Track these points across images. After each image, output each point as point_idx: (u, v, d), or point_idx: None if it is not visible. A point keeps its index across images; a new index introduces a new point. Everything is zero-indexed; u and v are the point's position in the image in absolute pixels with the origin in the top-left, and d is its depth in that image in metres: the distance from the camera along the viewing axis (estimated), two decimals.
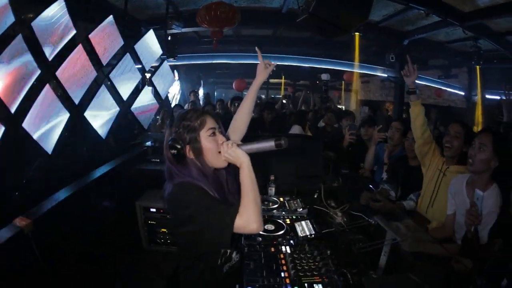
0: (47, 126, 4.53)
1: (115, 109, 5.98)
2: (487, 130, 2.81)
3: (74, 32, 4.85)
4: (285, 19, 8.80)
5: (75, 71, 4.93)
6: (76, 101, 5.02)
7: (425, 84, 13.91)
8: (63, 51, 4.70)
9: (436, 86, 13.97)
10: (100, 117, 5.66)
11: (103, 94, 5.64)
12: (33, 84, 4.16)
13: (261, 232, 2.65)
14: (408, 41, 10.10)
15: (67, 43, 4.75)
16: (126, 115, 6.41)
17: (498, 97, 11.90)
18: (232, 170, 2.05)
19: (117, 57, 6.08)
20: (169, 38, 8.54)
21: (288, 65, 12.69)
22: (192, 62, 12.35)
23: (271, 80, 20.80)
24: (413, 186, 3.75)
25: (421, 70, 13.35)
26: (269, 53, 11.41)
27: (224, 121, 6.57)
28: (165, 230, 4.87)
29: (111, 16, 5.71)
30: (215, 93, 21.84)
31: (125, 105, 6.27)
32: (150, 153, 6.18)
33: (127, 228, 4.89)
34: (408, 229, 2.57)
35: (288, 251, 2.44)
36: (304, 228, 2.76)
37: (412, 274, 2.02)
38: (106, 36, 5.60)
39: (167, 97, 9.96)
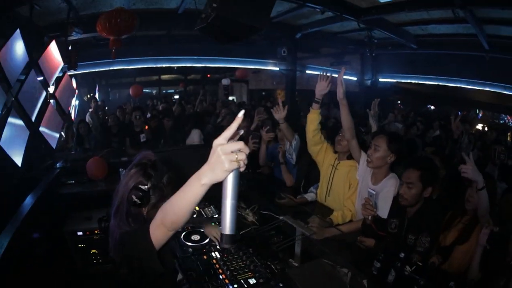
0: None
1: (26, 132, 5.50)
2: (381, 133, 3.49)
3: None
4: (182, 19, 8.77)
5: None
6: None
7: (317, 73, 14.44)
8: None
9: (328, 74, 14.42)
10: (14, 144, 5.05)
11: (14, 118, 5.13)
12: None
13: (189, 244, 2.85)
14: (300, 35, 10.45)
15: None
16: (35, 136, 5.82)
17: (391, 80, 13.09)
18: None
19: (23, 75, 5.54)
20: (70, 48, 7.79)
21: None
22: (92, 71, 11.47)
23: (163, 76, 20.94)
24: (315, 179, 4.26)
25: (313, 58, 14.02)
26: (163, 55, 11.65)
27: (126, 131, 6.76)
28: (95, 250, 4.58)
29: (18, 30, 5.24)
30: (109, 96, 20.78)
31: (33, 126, 5.71)
32: (64, 174, 5.59)
33: (59, 255, 4.53)
34: (313, 222, 3.06)
35: (218, 256, 2.68)
36: None
37: (324, 259, 2.46)
38: (13, 52, 5.15)
39: (69, 112, 9.43)
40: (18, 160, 4.92)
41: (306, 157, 4.46)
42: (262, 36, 11.48)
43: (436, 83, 12.36)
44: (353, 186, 3.71)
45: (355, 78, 14.20)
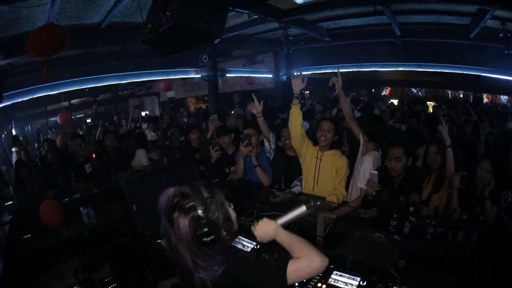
0: None
1: None
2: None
3: None
4: (104, 35, 8.47)
5: None
6: None
7: (232, 76, 14.98)
8: None
9: (244, 75, 14.99)
10: None
11: None
12: None
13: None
14: (219, 39, 10.24)
15: None
16: None
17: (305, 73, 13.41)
18: None
19: None
20: None
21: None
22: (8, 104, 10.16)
23: (73, 101, 19.83)
24: (294, 173, 4.60)
25: (226, 62, 14.30)
26: (82, 76, 11.16)
27: (68, 164, 6.35)
28: None
29: None
30: (29, 128, 19.59)
31: None
32: (15, 229, 4.53)
33: None
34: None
35: None
36: (245, 244, 2.94)
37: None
38: None
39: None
40: None
41: (281, 155, 4.83)
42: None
43: (350, 70, 12.99)
44: (340, 172, 4.13)
45: (270, 76, 14.58)
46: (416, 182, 3.69)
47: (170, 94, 10.37)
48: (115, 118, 16.00)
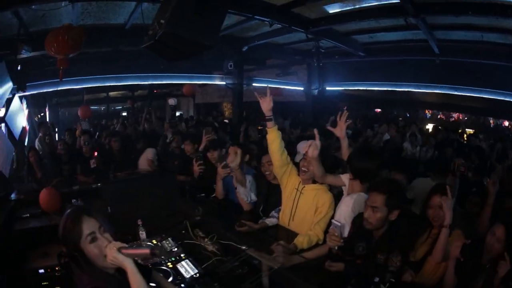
0: None
1: None
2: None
3: None
4: (129, 34, 8.49)
5: None
6: None
7: (263, 86, 14.38)
8: None
9: (274, 86, 14.16)
10: None
11: None
12: None
13: (152, 284, 2.48)
14: (247, 47, 10.36)
15: None
16: None
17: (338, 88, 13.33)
18: None
19: None
20: (19, 67, 7.48)
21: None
22: (42, 91, 10.57)
23: (111, 93, 20.29)
24: (275, 202, 4.00)
25: (259, 70, 14.09)
26: (110, 73, 11.28)
27: (74, 153, 6.39)
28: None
29: None
30: (59, 116, 19.51)
31: None
32: (18, 207, 5.22)
33: None
34: (277, 250, 2.93)
35: None
36: (187, 268, 2.70)
37: None
38: None
39: (20, 136, 8.83)
40: None
41: (263, 179, 4.29)
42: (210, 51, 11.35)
43: (384, 88, 12.59)
44: (321, 210, 3.48)
45: (301, 88, 14.17)
46: (400, 242, 2.72)
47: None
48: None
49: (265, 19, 7.10)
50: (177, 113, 17.65)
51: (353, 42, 10.07)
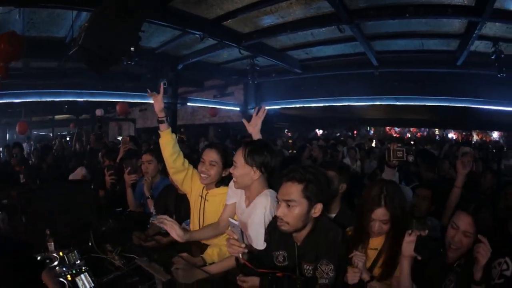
0: None
1: None
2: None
3: None
4: (69, 49, 8.22)
5: None
6: None
7: (200, 106, 14.43)
8: None
9: (211, 106, 14.33)
10: None
11: None
12: None
13: None
14: (182, 65, 10.32)
15: None
16: None
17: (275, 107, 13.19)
18: None
19: None
20: None
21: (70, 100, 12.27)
22: None
23: (56, 117, 20.39)
24: (185, 213, 3.58)
25: (197, 92, 14.25)
26: (52, 88, 10.89)
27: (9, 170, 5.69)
28: None
29: None
30: (7, 135, 20.36)
31: None
32: None
33: None
34: (178, 262, 2.60)
35: None
36: (85, 282, 2.44)
37: None
38: None
39: None
40: None
41: (169, 188, 3.95)
42: (147, 70, 11.48)
43: (323, 104, 12.50)
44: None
45: (238, 109, 14.19)
46: (330, 245, 2.20)
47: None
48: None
49: (196, 32, 7.03)
50: (119, 138, 17.39)
51: (289, 59, 10.12)
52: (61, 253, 2.83)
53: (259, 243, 2.43)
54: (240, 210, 2.85)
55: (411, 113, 12.45)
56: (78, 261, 2.66)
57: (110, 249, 2.89)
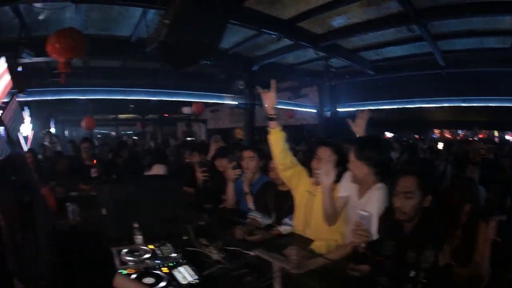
0: None
1: None
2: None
3: None
4: (135, 48, 8.28)
5: None
6: None
7: (278, 108, 14.35)
8: None
9: (288, 107, 14.22)
10: None
11: None
12: None
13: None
14: (257, 67, 10.31)
15: None
16: None
17: (350, 109, 12.96)
18: None
19: None
20: (20, 69, 7.40)
21: (137, 98, 12.24)
22: (43, 98, 10.36)
23: (120, 116, 20.39)
24: (287, 210, 3.63)
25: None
26: (117, 87, 11.10)
27: (77, 165, 6.12)
28: None
29: None
30: (66, 132, 20.40)
31: None
32: None
33: None
34: (291, 253, 2.52)
35: None
36: (185, 275, 2.48)
37: None
38: None
39: (18, 139, 8.64)
40: None
41: (268, 186, 4.01)
42: (219, 70, 11.47)
43: (395, 106, 12.46)
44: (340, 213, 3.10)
45: (314, 111, 14.07)
46: (434, 232, 2.35)
47: (186, 110, 10.26)
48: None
49: (272, 32, 7.05)
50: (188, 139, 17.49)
51: (361, 60, 10.05)
52: (151, 246, 2.87)
53: (373, 234, 2.54)
54: (352, 203, 2.99)
55: (474, 114, 12.11)
56: (174, 254, 2.66)
57: (206, 243, 2.91)
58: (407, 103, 12.00)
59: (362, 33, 7.41)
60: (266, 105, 3.37)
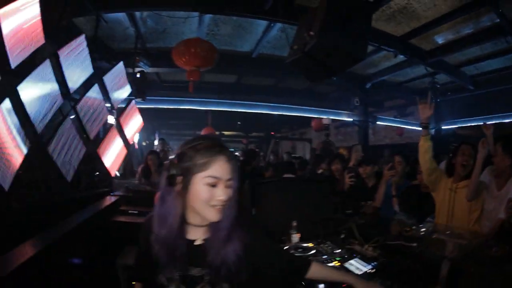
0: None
1: (82, 148, 4.92)
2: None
3: (42, 42, 3.81)
4: (254, 64, 8.80)
5: (38, 92, 3.87)
6: (38, 130, 3.90)
7: (384, 125, 14.20)
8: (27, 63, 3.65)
9: (395, 125, 14.28)
10: (64, 154, 4.45)
11: (68, 128, 4.56)
12: None
13: None
14: (370, 84, 10.52)
15: (32, 54, 3.68)
16: (91, 157, 5.55)
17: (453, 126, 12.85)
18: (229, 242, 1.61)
19: (84, 87, 5.09)
20: (139, 75, 7.58)
21: (243, 116, 12.76)
22: (158, 106, 10.79)
23: (225, 132, 20.68)
24: (427, 211, 4.01)
25: (377, 113, 13.87)
26: (232, 100, 11.25)
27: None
28: None
29: (83, 36, 4.90)
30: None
31: (91, 145, 5.27)
32: (123, 203, 5.49)
33: None
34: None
35: None
36: (358, 266, 2.48)
37: None
38: (75, 57, 4.65)
39: (133, 143, 8.98)
40: (67, 174, 4.50)
41: (411, 189, 4.44)
42: (334, 87, 11.86)
43: (494, 121, 11.73)
44: (475, 207, 3.61)
45: (420, 129, 13.65)
46: None
47: (326, 120, 10.41)
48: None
49: (390, 49, 7.18)
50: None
51: (462, 75, 10.04)
52: (310, 244, 2.93)
53: None
54: (493, 194, 3.53)
55: None
56: (338, 250, 2.79)
57: (355, 242, 2.96)
58: (506, 117, 11.25)
59: (467, 47, 7.48)
60: (424, 115, 3.76)
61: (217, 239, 1.59)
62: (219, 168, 1.50)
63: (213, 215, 1.52)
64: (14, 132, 3.55)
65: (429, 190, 4.03)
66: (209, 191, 1.49)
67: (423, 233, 3.26)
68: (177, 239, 1.55)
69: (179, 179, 1.50)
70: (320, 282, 2.06)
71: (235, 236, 1.60)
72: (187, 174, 1.49)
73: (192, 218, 1.59)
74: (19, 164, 3.63)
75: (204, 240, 1.62)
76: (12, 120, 3.53)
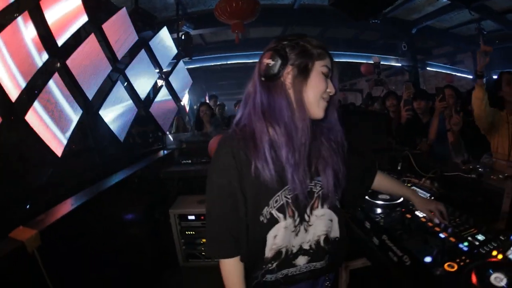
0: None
1: (133, 110, 4.95)
2: None
3: (85, 19, 3.96)
4: (297, 15, 8.68)
5: (87, 63, 3.98)
6: (90, 97, 4.01)
7: (434, 72, 14.00)
8: (72, 39, 3.78)
9: (445, 71, 13.98)
10: (117, 118, 4.53)
11: (119, 92, 4.65)
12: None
13: (381, 202, 2.35)
14: (416, 29, 10.27)
15: (76, 31, 3.83)
16: (144, 117, 5.48)
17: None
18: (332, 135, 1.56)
19: (131, 54, 5.12)
20: (183, 37, 7.51)
21: None
22: (205, 65, 11.18)
23: None
24: (482, 149, 3.69)
25: (427, 60, 13.82)
26: None
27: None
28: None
29: (124, 9, 4.91)
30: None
31: (142, 106, 5.32)
32: (177, 155, 5.45)
33: (157, 241, 4.26)
34: None
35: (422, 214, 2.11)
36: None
37: None
38: (119, 28, 4.76)
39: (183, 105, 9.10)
40: (119, 134, 4.48)
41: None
42: (380, 34, 11.77)
43: None
44: None
45: (471, 77, 13.46)
46: None
47: (376, 59, 10.38)
48: None
49: None
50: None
51: (508, 23, 9.70)
52: None
53: None
54: None
55: None
56: None
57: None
58: None
59: None
60: (481, 62, 3.46)
61: (320, 142, 1.52)
62: (330, 61, 1.47)
63: (320, 110, 1.44)
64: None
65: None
66: (324, 81, 1.43)
67: (481, 169, 3.05)
68: (304, 135, 1.40)
69: (289, 69, 1.41)
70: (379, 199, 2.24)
71: (338, 137, 1.56)
72: (310, 60, 1.41)
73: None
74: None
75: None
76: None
